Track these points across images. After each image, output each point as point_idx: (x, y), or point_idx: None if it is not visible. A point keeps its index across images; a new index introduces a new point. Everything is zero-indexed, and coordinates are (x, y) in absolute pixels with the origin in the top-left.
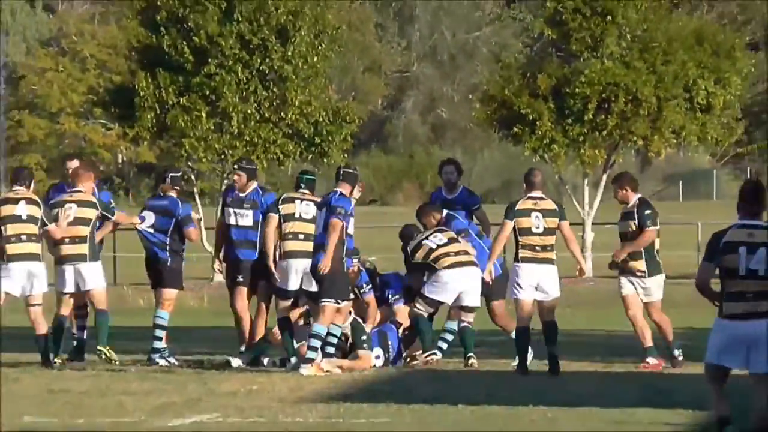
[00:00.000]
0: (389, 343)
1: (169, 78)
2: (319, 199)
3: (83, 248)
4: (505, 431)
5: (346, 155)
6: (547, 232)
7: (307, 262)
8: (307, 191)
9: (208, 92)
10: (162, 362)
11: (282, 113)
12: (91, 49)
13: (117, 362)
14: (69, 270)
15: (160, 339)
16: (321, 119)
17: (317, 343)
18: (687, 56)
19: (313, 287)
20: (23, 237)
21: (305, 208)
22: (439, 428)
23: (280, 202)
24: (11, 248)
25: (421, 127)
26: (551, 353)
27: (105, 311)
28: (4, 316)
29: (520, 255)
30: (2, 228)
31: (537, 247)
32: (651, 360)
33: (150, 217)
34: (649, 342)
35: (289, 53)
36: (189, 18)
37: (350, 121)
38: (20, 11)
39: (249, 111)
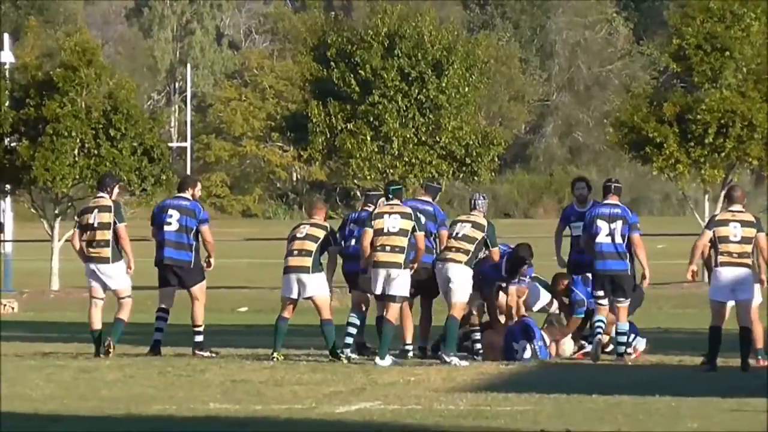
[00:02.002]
0: (532, 334)
1: (338, 106)
2: (408, 210)
3: (106, 251)
4: (632, 417)
5: (493, 174)
6: (745, 240)
7: (390, 270)
8: (396, 201)
9: (372, 119)
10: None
11: (437, 137)
12: (270, 81)
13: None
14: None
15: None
16: (471, 142)
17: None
18: None
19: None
20: (95, 243)
21: (392, 222)
22: (576, 416)
23: (373, 217)
24: (89, 252)
25: (559, 149)
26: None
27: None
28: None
29: (719, 260)
30: (85, 233)
31: (735, 254)
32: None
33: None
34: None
35: (444, 84)
36: (356, 54)
37: (497, 144)
38: (209, 48)
39: (408, 135)
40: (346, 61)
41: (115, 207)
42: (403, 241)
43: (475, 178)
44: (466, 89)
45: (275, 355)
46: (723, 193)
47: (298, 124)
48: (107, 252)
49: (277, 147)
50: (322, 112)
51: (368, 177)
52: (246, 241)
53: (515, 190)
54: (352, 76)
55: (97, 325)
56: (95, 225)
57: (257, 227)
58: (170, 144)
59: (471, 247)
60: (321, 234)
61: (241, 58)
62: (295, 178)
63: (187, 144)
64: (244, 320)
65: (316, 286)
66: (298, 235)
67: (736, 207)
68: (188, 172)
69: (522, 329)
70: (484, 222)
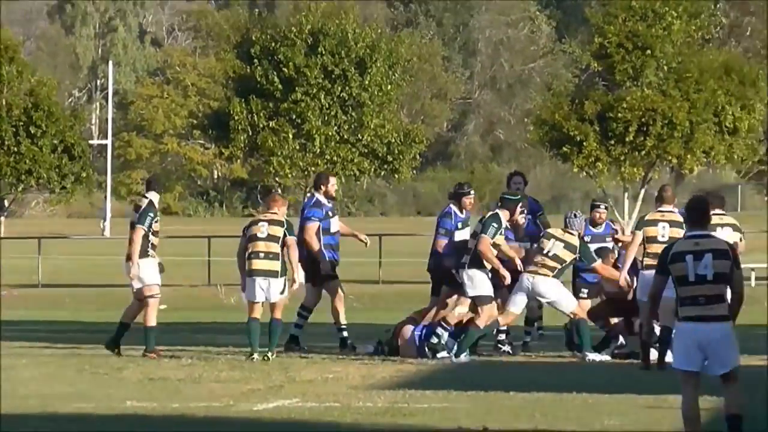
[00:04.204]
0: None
1: (260, 104)
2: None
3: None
4: (550, 414)
5: (414, 172)
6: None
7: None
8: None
9: (294, 116)
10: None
11: (359, 135)
12: (192, 78)
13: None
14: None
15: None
16: (393, 140)
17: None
18: (716, 85)
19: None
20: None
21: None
22: (493, 413)
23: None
24: None
25: (481, 147)
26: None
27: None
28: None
29: (645, 262)
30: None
31: None
32: None
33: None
34: None
35: (366, 82)
36: (279, 51)
37: (419, 142)
38: (131, 45)
39: (330, 133)
40: (269, 59)
41: None
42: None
43: (397, 175)
44: (389, 87)
45: (255, 355)
46: (642, 191)
47: (220, 122)
48: None
49: (198, 144)
50: (244, 109)
51: (289, 175)
52: (167, 238)
53: (436, 187)
54: (275, 73)
55: None
56: None
57: (177, 225)
58: (91, 141)
59: (558, 266)
60: (281, 233)
61: (164, 55)
62: (216, 176)
63: (108, 141)
64: (163, 318)
65: (281, 290)
66: (260, 235)
67: (666, 207)
68: (108, 169)
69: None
70: (577, 243)
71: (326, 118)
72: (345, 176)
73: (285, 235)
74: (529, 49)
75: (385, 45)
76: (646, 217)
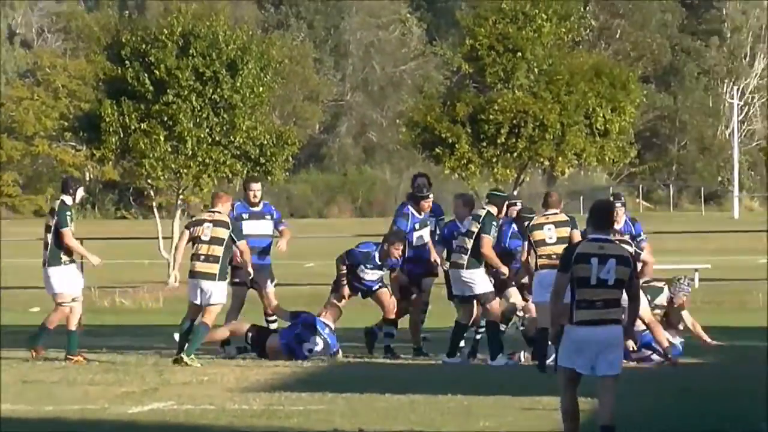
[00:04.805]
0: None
1: (131, 106)
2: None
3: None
4: (425, 416)
5: (287, 174)
6: (561, 241)
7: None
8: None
9: (166, 118)
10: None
11: (231, 137)
12: (63, 80)
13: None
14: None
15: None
16: (265, 142)
17: None
18: (587, 87)
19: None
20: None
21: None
22: (369, 415)
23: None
24: None
25: (353, 149)
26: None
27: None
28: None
29: (539, 263)
30: None
31: (552, 255)
32: None
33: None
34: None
35: (238, 84)
36: (150, 53)
37: (291, 144)
38: (0, 47)
39: (202, 135)
40: (141, 61)
41: None
42: None
43: (269, 177)
44: (261, 89)
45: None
46: (515, 193)
47: (91, 124)
48: None
49: (69, 146)
50: (116, 111)
51: (161, 177)
52: (39, 240)
53: (309, 189)
54: (146, 75)
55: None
56: None
57: None
58: None
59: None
60: (225, 235)
61: (34, 57)
62: (88, 178)
63: None
64: (36, 320)
65: (219, 294)
66: (203, 238)
67: (551, 211)
68: None
69: (306, 327)
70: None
71: (198, 120)
72: (217, 178)
73: (231, 238)
74: (400, 52)
75: (257, 47)
76: (533, 222)
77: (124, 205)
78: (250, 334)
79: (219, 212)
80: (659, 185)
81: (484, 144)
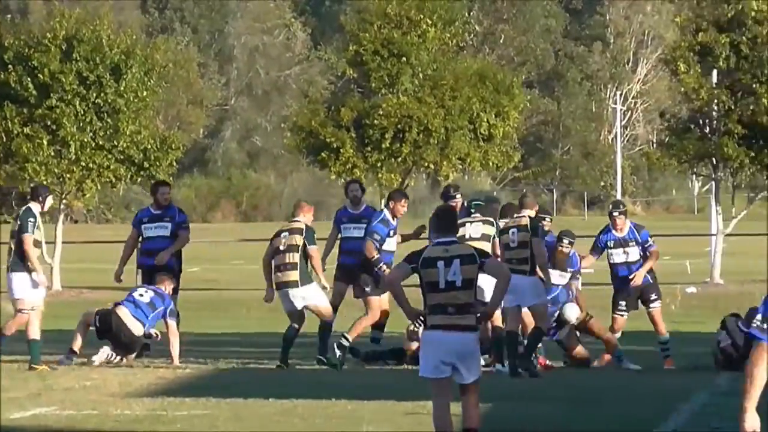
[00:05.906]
0: None
1: (14, 110)
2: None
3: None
4: (309, 421)
5: (171, 178)
6: (522, 245)
7: None
8: (477, 214)
9: (49, 123)
10: None
11: (115, 141)
12: None
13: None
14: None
15: None
16: (149, 146)
17: None
18: (471, 93)
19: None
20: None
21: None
22: (253, 420)
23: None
24: None
25: (238, 153)
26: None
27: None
28: None
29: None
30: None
31: (514, 260)
32: None
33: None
34: None
35: (122, 88)
36: (33, 57)
37: (175, 148)
38: None
39: (85, 139)
40: (24, 65)
41: None
42: None
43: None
44: (145, 93)
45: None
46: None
47: None
48: None
49: None
50: None
51: (45, 181)
52: None
53: (193, 194)
54: (29, 79)
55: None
56: None
57: None
58: None
59: None
60: (300, 241)
61: None
62: None
63: None
64: None
65: (311, 295)
66: (281, 248)
67: (523, 213)
68: None
69: None
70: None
71: (81, 124)
72: (101, 183)
73: (305, 244)
74: (284, 56)
75: (141, 51)
76: (502, 226)
77: (6, 210)
78: None
79: (297, 221)
80: (543, 190)
81: (369, 149)
